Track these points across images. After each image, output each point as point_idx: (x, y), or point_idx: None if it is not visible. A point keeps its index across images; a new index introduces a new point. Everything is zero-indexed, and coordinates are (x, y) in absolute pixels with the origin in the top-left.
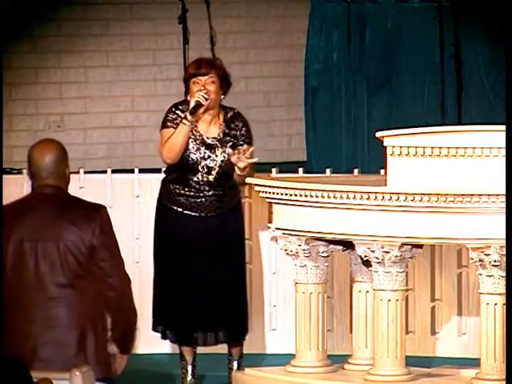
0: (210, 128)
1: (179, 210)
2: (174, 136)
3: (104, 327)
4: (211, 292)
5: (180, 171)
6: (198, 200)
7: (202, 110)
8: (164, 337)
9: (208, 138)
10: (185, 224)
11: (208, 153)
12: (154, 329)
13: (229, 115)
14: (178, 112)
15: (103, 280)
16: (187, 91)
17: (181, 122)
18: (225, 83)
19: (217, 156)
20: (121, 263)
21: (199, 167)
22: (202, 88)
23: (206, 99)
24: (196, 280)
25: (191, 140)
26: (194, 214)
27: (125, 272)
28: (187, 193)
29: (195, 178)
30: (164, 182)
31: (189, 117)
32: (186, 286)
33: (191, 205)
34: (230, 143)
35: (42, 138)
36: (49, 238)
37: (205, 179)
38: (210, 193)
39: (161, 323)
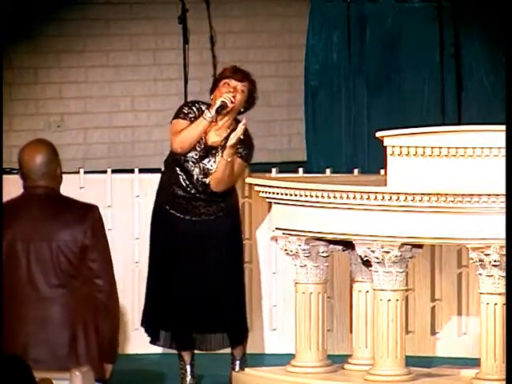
0: (215, 134)
1: (171, 211)
2: (192, 128)
3: (95, 328)
4: (203, 295)
5: (175, 169)
6: (187, 203)
7: (225, 110)
8: (153, 341)
9: (209, 141)
10: (174, 226)
11: (204, 155)
12: (146, 331)
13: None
14: (193, 108)
15: (92, 281)
16: (213, 90)
17: (201, 115)
18: (251, 99)
19: (215, 162)
20: (110, 265)
21: (193, 168)
22: (232, 90)
23: (232, 102)
24: (186, 283)
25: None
26: (182, 216)
27: (113, 275)
28: (178, 193)
29: (188, 178)
30: (160, 180)
31: (212, 113)
32: (175, 289)
33: (181, 207)
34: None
35: (32, 139)
36: (41, 238)
37: (196, 181)
38: (201, 197)
39: (153, 326)
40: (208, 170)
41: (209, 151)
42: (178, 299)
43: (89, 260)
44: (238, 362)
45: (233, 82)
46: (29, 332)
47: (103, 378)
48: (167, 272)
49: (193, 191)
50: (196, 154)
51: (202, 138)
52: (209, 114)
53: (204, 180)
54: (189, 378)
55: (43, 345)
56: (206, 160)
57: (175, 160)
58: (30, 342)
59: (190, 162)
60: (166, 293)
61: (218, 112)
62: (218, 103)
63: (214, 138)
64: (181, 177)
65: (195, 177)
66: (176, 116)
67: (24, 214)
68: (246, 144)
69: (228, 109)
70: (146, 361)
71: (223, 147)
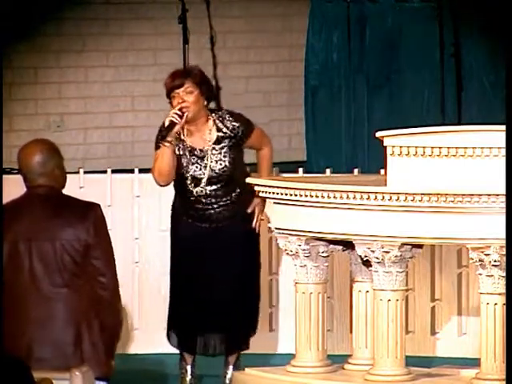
0: (201, 138)
1: (189, 220)
2: (159, 159)
3: (99, 326)
4: (214, 302)
5: (183, 186)
6: (207, 212)
7: (177, 127)
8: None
9: (201, 149)
10: (195, 234)
11: (203, 164)
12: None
13: (218, 119)
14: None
15: (96, 279)
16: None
17: (161, 144)
18: (204, 88)
19: (211, 164)
20: (113, 262)
21: (200, 181)
22: (180, 101)
23: (180, 116)
24: (201, 289)
25: (183, 156)
26: (203, 225)
27: (116, 271)
28: (196, 205)
29: (199, 192)
30: (175, 190)
31: (168, 138)
32: (190, 296)
33: (200, 217)
34: (228, 147)
35: (31, 140)
36: (43, 238)
37: (208, 191)
38: (218, 204)
39: (169, 329)
40: (211, 174)
41: (205, 157)
42: (190, 308)
43: (92, 258)
44: (230, 367)
45: (176, 92)
46: (33, 331)
47: (108, 375)
48: (186, 283)
49: (213, 200)
50: (197, 167)
51: (191, 150)
52: (166, 144)
53: (213, 186)
54: (189, 377)
55: (48, 344)
56: (206, 164)
57: (181, 182)
58: (35, 341)
59: (196, 177)
60: (183, 297)
61: (164, 136)
62: (167, 123)
63: (203, 143)
64: (195, 194)
65: (207, 187)
66: (155, 146)
67: (25, 214)
68: (241, 121)
69: (182, 122)
70: (146, 361)
71: (213, 148)
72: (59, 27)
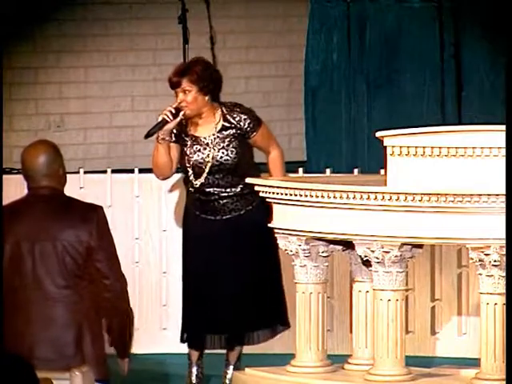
0: (206, 128)
1: (197, 213)
2: (155, 155)
3: (106, 327)
4: (222, 297)
5: (188, 176)
6: (211, 204)
7: (170, 125)
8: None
9: (204, 137)
10: (202, 227)
11: (206, 153)
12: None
13: (226, 110)
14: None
15: (99, 281)
16: None
17: (156, 140)
18: (203, 85)
19: (214, 152)
20: (117, 264)
21: (202, 170)
22: (179, 100)
23: (174, 114)
24: (208, 284)
25: (186, 146)
26: (210, 217)
27: (121, 273)
28: (199, 195)
29: (202, 181)
30: (184, 182)
31: (161, 135)
32: (198, 291)
33: (205, 208)
34: (232, 136)
35: (35, 140)
36: (46, 239)
37: (210, 180)
38: (221, 195)
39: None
40: (213, 163)
41: (208, 146)
42: (197, 303)
43: (95, 260)
44: (230, 367)
45: (177, 90)
46: (35, 332)
47: (106, 378)
48: (193, 277)
49: (217, 190)
50: (199, 155)
51: (196, 140)
52: (160, 141)
53: (210, 177)
54: (193, 377)
55: (49, 344)
56: (209, 153)
57: (187, 171)
58: (36, 341)
59: (200, 166)
60: (191, 293)
61: (161, 129)
62: (159, 119)
63: (207, 133)
64: (200, 184)
65: (209, 177)
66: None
67: (28, 215)
68: (248, 114)
69: (177, 120)
70: (146, 361)
71: (216, 137)
72: (59, 27)
